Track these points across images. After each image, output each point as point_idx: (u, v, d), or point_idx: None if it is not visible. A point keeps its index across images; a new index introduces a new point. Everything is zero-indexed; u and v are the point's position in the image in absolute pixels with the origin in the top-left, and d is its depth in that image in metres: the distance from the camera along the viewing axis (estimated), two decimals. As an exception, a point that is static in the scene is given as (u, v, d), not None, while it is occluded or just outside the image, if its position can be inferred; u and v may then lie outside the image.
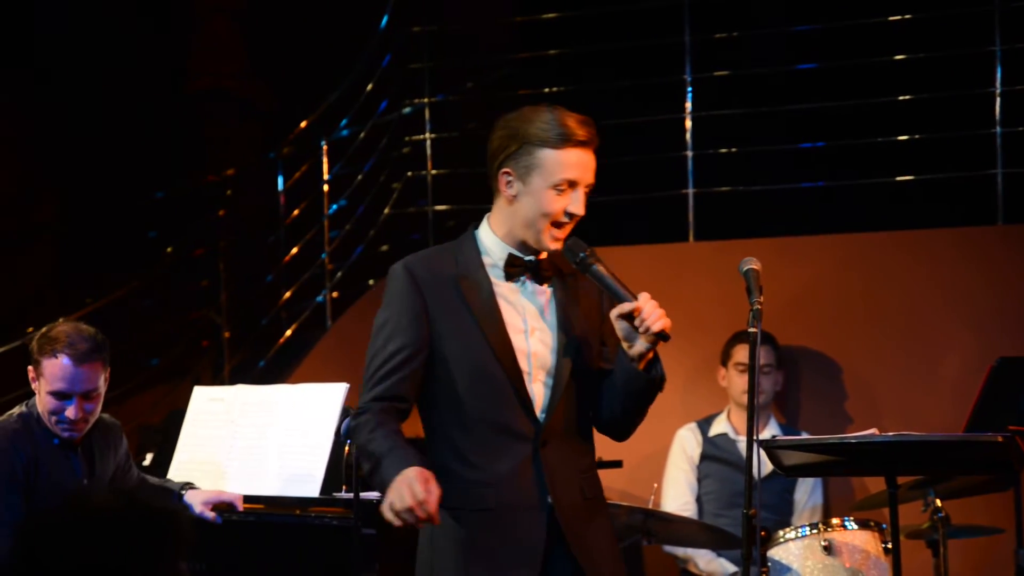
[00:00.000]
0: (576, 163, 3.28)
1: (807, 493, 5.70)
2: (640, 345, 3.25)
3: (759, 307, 3.98)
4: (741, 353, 5.69)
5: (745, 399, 5.69)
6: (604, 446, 5.67)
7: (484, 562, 3.25)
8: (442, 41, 7.48)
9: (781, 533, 4.78)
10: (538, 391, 3.30)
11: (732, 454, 5.70)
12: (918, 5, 6.66)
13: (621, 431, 3.47)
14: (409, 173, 7.33)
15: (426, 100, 7.30)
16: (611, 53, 7.30)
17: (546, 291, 3.37)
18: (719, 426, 5.81)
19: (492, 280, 3.34)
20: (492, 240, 3.36)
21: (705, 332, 5.97)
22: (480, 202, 7.25)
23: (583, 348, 3.35)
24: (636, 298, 3.25)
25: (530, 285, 3.36)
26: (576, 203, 3.29)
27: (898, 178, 6.57)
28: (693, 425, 5.86)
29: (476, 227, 3.41)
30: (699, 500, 5.76)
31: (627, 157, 7.04)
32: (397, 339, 3.27)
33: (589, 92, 7.26)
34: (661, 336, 3.22)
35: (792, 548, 4.71)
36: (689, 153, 6.77)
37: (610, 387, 3.37)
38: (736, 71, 6.94)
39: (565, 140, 3.26)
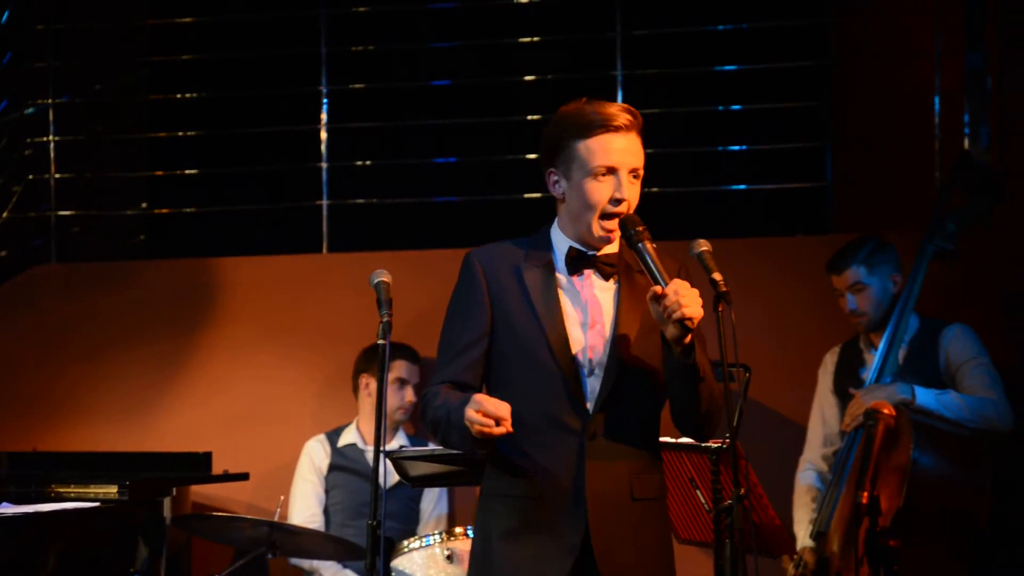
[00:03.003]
0: (612, 149, 3.30)
1: (433, 502, 5.78)
2: (670, 329, 3.21)
3: (388, 319, 4.03)
4: (396, 368, 5.73)
5: (397, 415, 5.73)
6: (230, 458, 5.63)
7: (523, 551, 3.32)
8: (69, 41, 7.20)
9: (405, 543, 4.85)
10: (592, 385, 3.32)
11: (360, 464, 5.72)
12: (545, 28, 6.89)
13: (690, 426, 3.37)
14: (31, 176, 7.01)
15: (50, 101, 7.01)
16: (248, 61, 7.21)
17: (612, 287, 3.36)
18: (348, 436, 5.83)
19: (557, 275, 3.38)
20: (559, 236, 3.42)
21: (338, 344, 5.97)
22: (106, 207, 7.06)
23: (646, 344, 3.32)
24: (668, 283, 3.22)
25: (596, 280, 3.37)
26: (619, 188, 3.30)
27: (526, 195, 6.77)
28: (322, 436, 5.85)
29: (551, 224, 3.47)
30: (327, 511, 5.75)
31: (261, 167, 6.99)
32: (461, 326, 3.42)
33: (225, 100, 7.15)
34: (683, 324, 3.18)
35: (415, 557, 4.78)
36: (324, 165, 6.77)
37: (666, 379, 3.35)
38: (372, 84, 6.98)
39: (596, 128, 3.30)
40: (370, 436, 5.76)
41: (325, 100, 6.83)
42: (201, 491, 5.99)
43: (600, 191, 3.32)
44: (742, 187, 6.66)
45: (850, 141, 6.74)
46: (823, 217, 6.77)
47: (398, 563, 4.79)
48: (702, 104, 6.75)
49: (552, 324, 3.34)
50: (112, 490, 4.57)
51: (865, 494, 4.18)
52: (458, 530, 4.85)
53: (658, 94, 6.77)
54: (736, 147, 6.70)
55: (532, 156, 6.76)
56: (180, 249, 7.06)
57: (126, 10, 7.52)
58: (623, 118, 3.33)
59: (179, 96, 7.20)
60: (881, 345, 4.91)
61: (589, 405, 3.33)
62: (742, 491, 3.79)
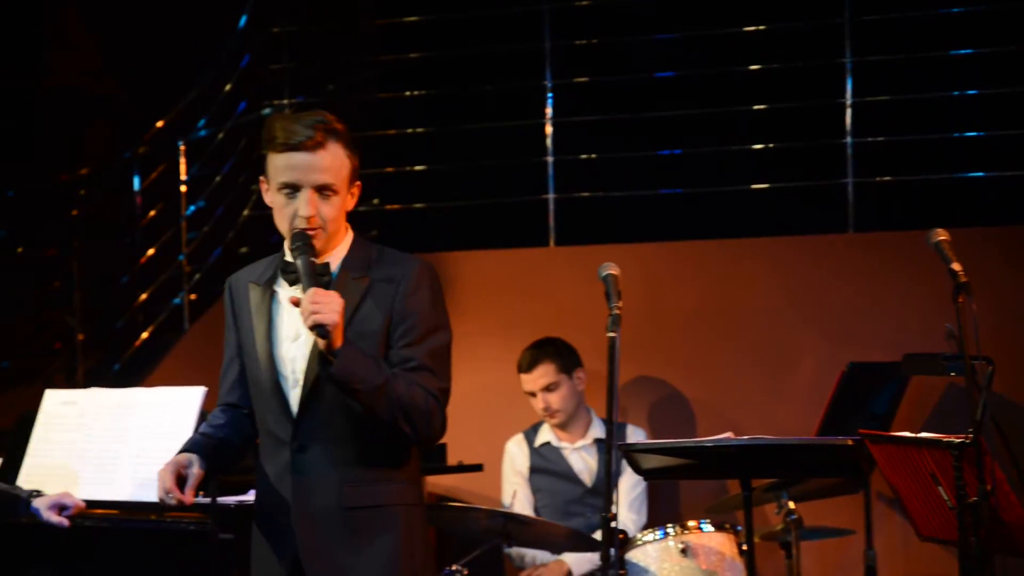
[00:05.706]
0: (293, 166, 3.25)
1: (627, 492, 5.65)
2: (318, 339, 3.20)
3: (618, 312, 4.03)
4: (525, 382, 5.73)
5: (549, 419, 5.72)
6: (465, 450, 5.72)
7: (258, 565, 3.42)
8: (303, 42, 7.41)
9: (639, 535, 4.84)
10: (295, 395, 3.33)
11: (558, 464, 5.67)
12: (772, 16, 6.79)
13: (393, 435, 3.30)
14: (269, 175, 7.25)
15: (286, 101, 7.24)
16: (472, 58, 7.30)
17: None
18: (543, 435, 5.79)
19: (276, 289, 3.38)
20: (285, 249, 3.37)
21: (565, 336, 5.99)
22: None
23: None
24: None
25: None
26: (303, 205, 3.26)
27: (753, 186, 6.69)
28: (520, 437, 5.83)
29: None
30: (536, 512, 5.73)
31: (488, 162, 7.07)
32: (226, 350, 3.52)
33: (451, 96, 7.26)
34: (315, 331, 3.15)
35: (649, 550, 4.77)
36: (550, 159, 6.82)
37: None
38: (595, 77, 7.00)
39: (280, 144, 3.25)
40: (563, 434, 5.75)
41: (550, 95, 6.88)
42: (434, 481, 6.10)
43: (287, 207, 3.26)
44: (979, 175, 6.46)
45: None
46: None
47: (632, 555, 4.78)
48: (936, 91, 6.57)
49: (260, 339, 3.35)
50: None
51: None
52: (691, 523, 4.83)
53: (890, 80, 6.61)
54: (971, 134, 6.50)
55: (757, 147, 6.69)
56: (408, 244, 7.18)
57: (356, 11, 7.71)
58: (304, 134, 3.23)
59: (407, 94, 7.34)
60: None
61: (294, 417, 3.32)
62: (988, 487, 3.68)
